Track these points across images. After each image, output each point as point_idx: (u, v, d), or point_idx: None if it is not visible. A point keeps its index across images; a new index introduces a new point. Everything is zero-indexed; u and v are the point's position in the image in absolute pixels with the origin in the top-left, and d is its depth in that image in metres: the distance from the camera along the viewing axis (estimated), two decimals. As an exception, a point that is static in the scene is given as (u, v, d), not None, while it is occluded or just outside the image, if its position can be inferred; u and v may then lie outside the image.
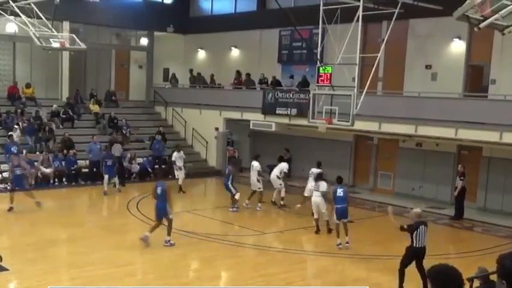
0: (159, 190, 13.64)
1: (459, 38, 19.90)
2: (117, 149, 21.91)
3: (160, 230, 13.75)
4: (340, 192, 14.04)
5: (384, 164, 22.56)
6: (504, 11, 9.74)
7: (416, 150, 21.26)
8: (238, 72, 26.61)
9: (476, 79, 20.27)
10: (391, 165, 22.16)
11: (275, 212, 18.57)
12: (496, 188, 18.80)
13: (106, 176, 20.11)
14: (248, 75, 25.70)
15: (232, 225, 16.65)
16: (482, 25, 10.05)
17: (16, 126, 22.78)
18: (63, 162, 21.92)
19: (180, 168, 21.06)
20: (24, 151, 21.23)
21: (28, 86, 25.94)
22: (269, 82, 24.84)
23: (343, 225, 14.07)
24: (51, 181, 21.39)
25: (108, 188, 20.08)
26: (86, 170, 22.19)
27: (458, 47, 20.20)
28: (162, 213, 13.65)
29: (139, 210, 17.55)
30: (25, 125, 23.17)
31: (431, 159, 20.90)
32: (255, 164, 19.11)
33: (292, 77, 24.50)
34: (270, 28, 25.67)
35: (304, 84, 23.30)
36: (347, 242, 14.05)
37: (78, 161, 22.26)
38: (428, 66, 20.86)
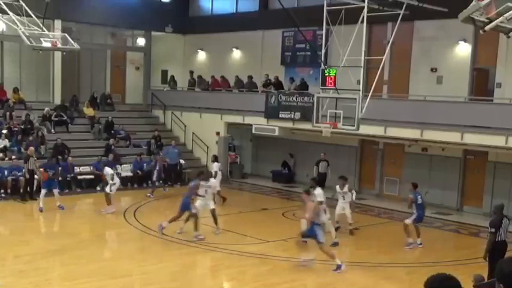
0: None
1: (464, 40, 20.42)
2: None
3: (158, 240, 13.86)
4: (419, 199, 15.44)
5: (389, 169, 23.06)
6: (509, 13, 10.10)
7: (422, 155, 21.73)
8: (213, 77, 27.23)
9: (481, 82, 20.80)
10: (397, 171, 22.64)
11: (279, 220, 18.78)
12: (502, 194, 19.26)
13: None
14: (250, 77, 25.91)
15: (234, 234, 16.85)
16: (487, 28, 10.35)
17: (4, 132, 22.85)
18: (59, 169, 21.79)
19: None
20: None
21: (15, 90, 25.69)
22: (272, 82, 25.03)
23: (416, 228, 15.56)
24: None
25: None
26: (90, 176, 22.51)
27: (463, 50, 20.73)
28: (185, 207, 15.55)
29: (136, 219, 17.74)
30: (16, 129, 23.24)
31: (437, 164, 21.41)
32: (213, 165, 20.80)
33: (292, 79, 24.82)
34: (272, 29, 25.98)
35: (303, 87, 23.67)
36: (420, 243, 15.53)
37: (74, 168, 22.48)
38: (433, 69, 21.35)
